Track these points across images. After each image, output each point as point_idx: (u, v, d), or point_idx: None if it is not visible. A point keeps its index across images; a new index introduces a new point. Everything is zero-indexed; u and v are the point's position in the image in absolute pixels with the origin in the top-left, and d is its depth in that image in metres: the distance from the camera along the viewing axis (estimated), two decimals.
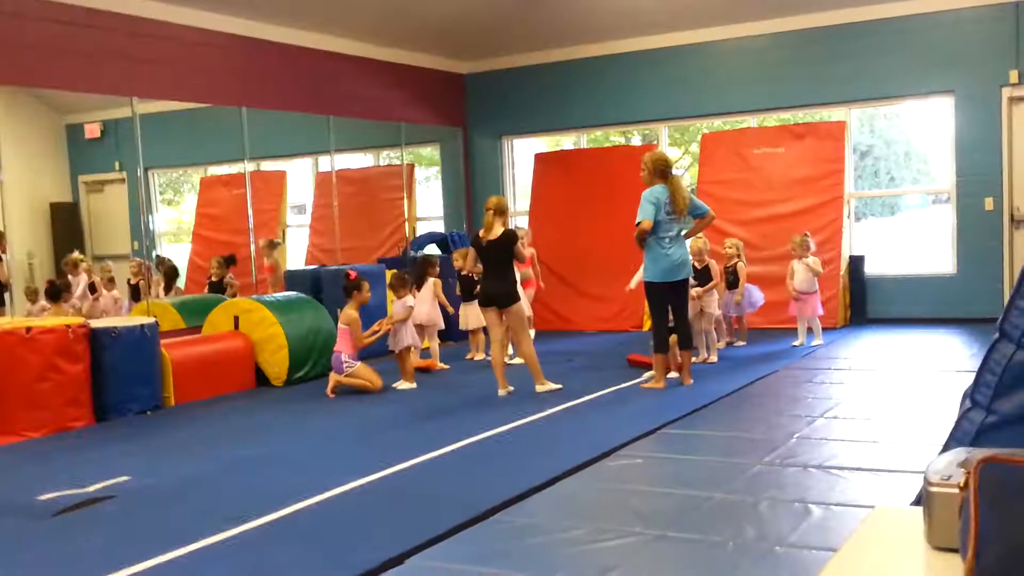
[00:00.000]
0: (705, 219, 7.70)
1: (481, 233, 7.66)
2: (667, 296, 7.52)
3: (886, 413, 6.39)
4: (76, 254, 11.44)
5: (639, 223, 7.27)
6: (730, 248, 9.44)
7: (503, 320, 7.72)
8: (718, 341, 9.05)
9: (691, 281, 8.51)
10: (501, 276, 7.60)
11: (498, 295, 7.60)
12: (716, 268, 8.92)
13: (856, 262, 11.02)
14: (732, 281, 9.30)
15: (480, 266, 7.81)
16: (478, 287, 9.50)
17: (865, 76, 10.81)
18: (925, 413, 6.28)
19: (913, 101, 11.27)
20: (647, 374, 7.80)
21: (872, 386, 7.40)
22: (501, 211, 7.64)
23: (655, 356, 7.57)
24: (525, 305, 8.90)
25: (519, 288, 8.03)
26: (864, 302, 11.01)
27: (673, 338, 7.67)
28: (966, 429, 2.44)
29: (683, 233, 7.57)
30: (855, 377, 7.78)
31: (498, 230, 7.55)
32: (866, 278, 11.03)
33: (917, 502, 1.87)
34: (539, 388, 7.59)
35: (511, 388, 7.63)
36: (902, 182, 14.90)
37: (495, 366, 7.68)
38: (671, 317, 7.60)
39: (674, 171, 7.63)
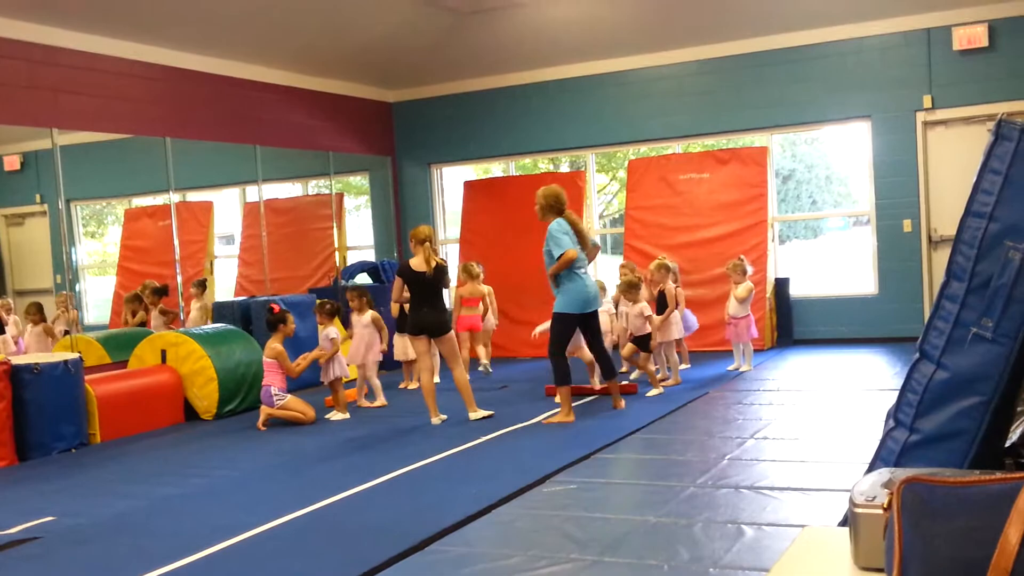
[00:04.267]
0: (596, 250, 7.91)
1: (413, 263, 7.64)
2: (578, 327, 7.62)
3: (814, 433, 6.51)
4: (5, 299, 11.17)
5: (563, 254, 7.29)
6: (652, 273, 9.20)
7: (432, 348, 7.74)
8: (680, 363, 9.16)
9: (647, 311, 8.62)
10: (433, 306, 7.62)
11: (431, 324, 7.61)
12: (672, 292, 8.93)
13: (781, 284, 11.24)
14: (660, 307, 9.04)
15: (407, 295, 7.75)
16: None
17: (786, 102, 11.08)
18: (851, 432, 6.41)
19: (832, 126, 11.56)
20: (554, 412, 7.63)
21: (800, 406, 7.53)
22: (431, 241, 7.70)
23: (560, 390, 7.47)
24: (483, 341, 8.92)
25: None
26: (790, 323, 11.23)
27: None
28: (890, 448, 2.51)
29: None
30: (783, 398, 7.92)
31: (434, 261, 7.57)
32: (791, 300, 11.25)
33: (844, 522, 1.91)
34: (472, 416, 7.59)
35: (444, 416, 7.62)
36: (824, 205, 15.26)
37: (426, 394, 7.66)
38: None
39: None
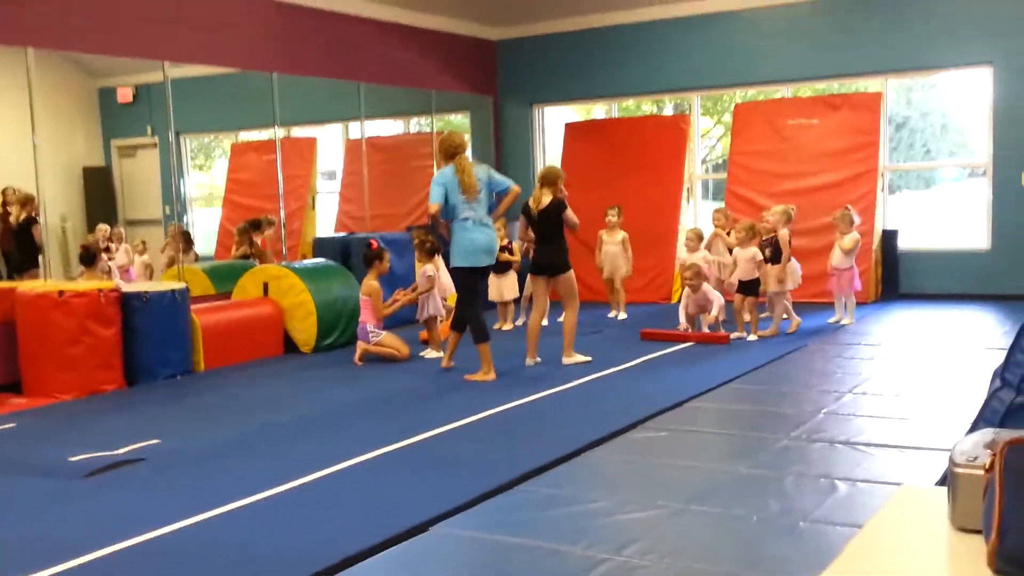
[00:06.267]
0: (508, 195, 7.33)
1: (530, 201, 7.64)
2: (476, 281, 7.39)
3: (915, 390, 6.34)
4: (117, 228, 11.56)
5: (429, 205, 7.14)
6: (771, 216, 8.88)
7: (549, 289, 7.68)
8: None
9: (758, 256, 8.48)
10: (550, 244, 7.57)
11: (546, 264, 7.59)
12: (785, 239, 8.66)
13: (889, 236, 10.89)
14: (775, 254, 8.72)
15: (531, 234, 7.78)
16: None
17: (903, 46, 10.63)
18: (954, 391, 6.22)
19: (951, 72, 11.08)
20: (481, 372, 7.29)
21: (902, 362, 7.33)
22: (550, 181, 7.54)
23: (480, 347, 7.19)
24: None
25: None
26: (896, 277, 10.90)
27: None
28: (995, 408, 2.42)
29: (490, 215, 7.33)
30: (885, 353, 7.72)
31: (546, 199, 7.52)
32: (899, 253, 10.91)
33: (942, 482, 1.85)
34: (566, 360, 7.59)
35: (539, 359, 7.63)
36: (938, 155, 14.69)
37: (530, 334, 7.65)
38: None
39: (466, 152, 7.45)
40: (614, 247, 10.03)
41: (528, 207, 7.64)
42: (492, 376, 7.16)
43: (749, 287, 8.58)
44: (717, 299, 8.51)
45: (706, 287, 8.59)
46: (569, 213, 7.51)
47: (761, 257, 8.62)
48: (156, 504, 4.45)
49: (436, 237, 8.14)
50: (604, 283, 10.32)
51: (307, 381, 7.59)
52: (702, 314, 8.64)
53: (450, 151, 7.23)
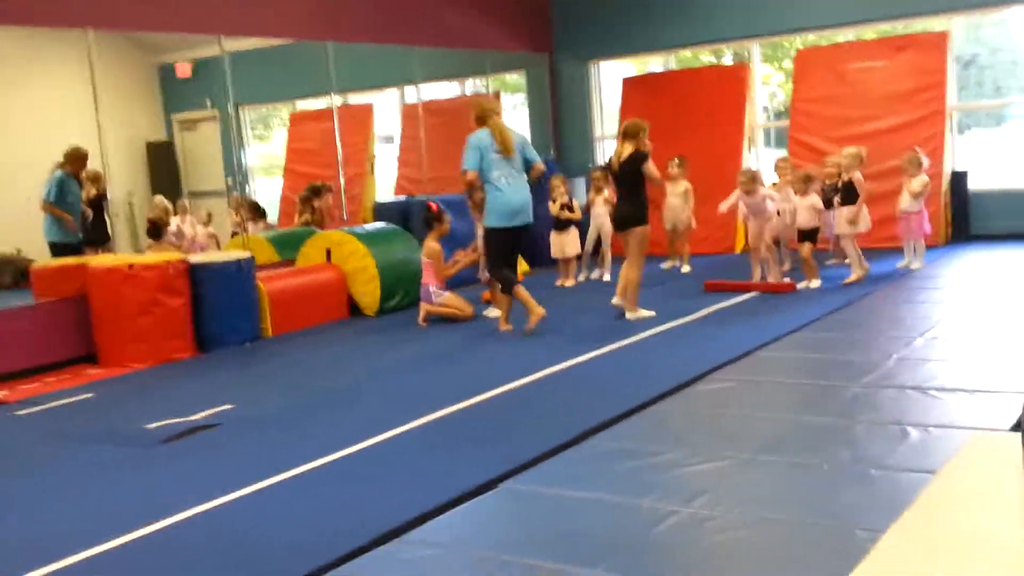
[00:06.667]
0: (533, 170, 7.39)
1: (612, 156, 7.61)
2: (511, 244, 7.38)
3: (988, 333, 6.18)
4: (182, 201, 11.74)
5: (464, 172, 7.22)
6: (843, 159, 8.68)
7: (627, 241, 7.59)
8: (782, 265, 8.92)
9: (818, 204, 8.45)
10: (626, 198, 7.51)
11: (620, 218, 7.55)
12: (860, 181, 8.46)
13: (958, 178, 10.60)
14: (847, 196, 8.54)
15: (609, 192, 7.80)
16: (568, 214, 9.46)
17: None
18: None
19: (1019, 7, 10.67)
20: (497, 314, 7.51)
21: (973, 306, 7.16)
22: (632, 134, 7.43)
23: (516, 292, 7.32)
24: None
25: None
26: (967, 219, 10.62)
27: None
28: None
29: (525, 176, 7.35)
30: (956, 296, 7.55)
31: (627, 151, 7.42)
32: (969, 194, 10.62)
33: (1017, 427, 1.82)
34: (631, 316, 7.54)
35: (652, 312, 7.53)
36: (1008, 92, 14.24)
37: (629, 287, 7.53)
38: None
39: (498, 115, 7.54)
40: (676, 199, 9.91)
41: (610, 161, 7.61)
42: (540, 311, 7.23)
43: (810, 234, 8.50)
44: (771, 208, 8.57)
45: (764, 190, 8.58)
46: (650, 165, 7.39)
47: (821, 205, 8.51)
48: (233, 467, 4.55)
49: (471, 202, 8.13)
50: (666, 235, 10.23)
51: (371, 344, 7.66)
52: (761, 233, 8.59)
53: (482, 115, 7.30)
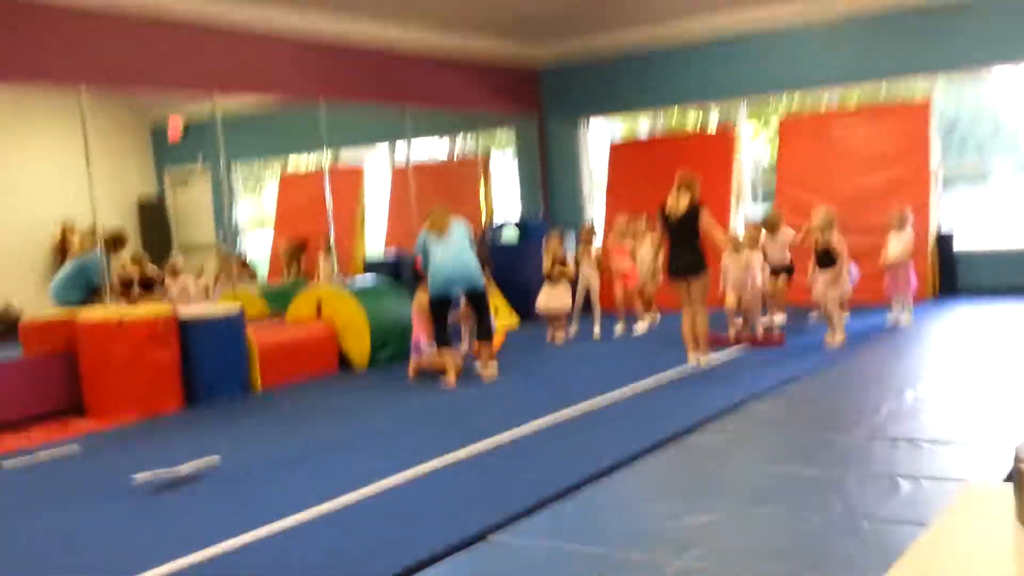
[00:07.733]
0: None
1: (668, 203, 7.69)
2: (441, 308, 7.90)
3: (977, 386, 6.22)
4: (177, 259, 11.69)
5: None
6: (816, 226, 8.50)
7: (688, 289, 7.71)
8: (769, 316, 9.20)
9: (790, 234, 8.92)
10: (686, 247, 7.62)
11: (686, 265, 7.64)
12: (838, 243, 8.36)
13: (944, 241, 10.69)
14: (825, 260, 8.43)
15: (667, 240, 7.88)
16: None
17: (951, 44, 10.41)
18: (1017, 387, 6.09)
19: (1003, 66, 10.78)
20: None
21: (963, 359, 7.19)
22: (687, 184, 7.59)
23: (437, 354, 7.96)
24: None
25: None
26: (955, 275, 10.70)
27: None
28: None
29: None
30: (945, 350, 7.59)
31: (684, 202, 7.54)
32: (956, 255, 10.70)
33: (1010, 479, 1.82)
34: (702, 361, 7.63)
35: (705, 356, 7.68)
36: (991, 154, 14.39)
37: (685, 335, 7.70)
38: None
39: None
40: (648, 253, 9.90)
41: (665, 211, 7.70)
42: (453, 366, 7.76)
43: (785, 270, 9.07)
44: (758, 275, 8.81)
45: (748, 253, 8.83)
46: (710, 216, 7.64)
47: (792, 236, 9.00)
48: (220, 518, 4.51)
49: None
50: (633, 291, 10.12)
51: (360, 398, 7.63)
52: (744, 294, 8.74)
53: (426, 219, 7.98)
